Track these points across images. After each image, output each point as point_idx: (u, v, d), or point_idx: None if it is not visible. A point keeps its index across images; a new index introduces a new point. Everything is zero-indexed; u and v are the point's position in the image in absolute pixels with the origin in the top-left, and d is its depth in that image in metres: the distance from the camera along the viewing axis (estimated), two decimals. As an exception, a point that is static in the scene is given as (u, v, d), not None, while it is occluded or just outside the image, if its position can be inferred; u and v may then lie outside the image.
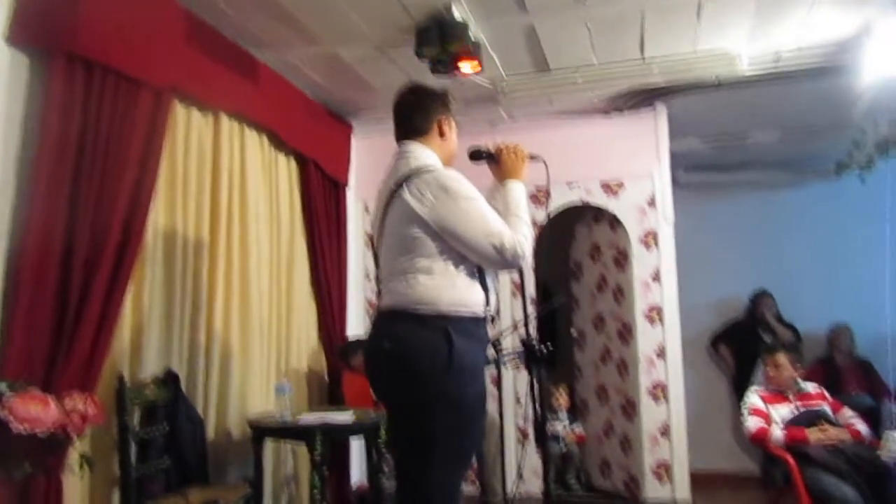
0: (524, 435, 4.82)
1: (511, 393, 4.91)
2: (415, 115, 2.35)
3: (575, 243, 5.71)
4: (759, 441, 3.75)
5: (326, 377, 4.55)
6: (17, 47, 2.53)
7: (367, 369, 2.31)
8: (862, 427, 3.67)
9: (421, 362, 2.10)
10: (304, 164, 4.43)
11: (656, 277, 4.85)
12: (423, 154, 2.30)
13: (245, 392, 3.69)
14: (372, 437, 3.70)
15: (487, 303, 2.23)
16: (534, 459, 4.45)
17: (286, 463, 4.12)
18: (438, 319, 2.11)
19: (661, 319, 4.81)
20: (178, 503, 2.92)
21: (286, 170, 4.33)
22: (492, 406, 2.67)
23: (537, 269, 4.88)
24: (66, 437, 2.37)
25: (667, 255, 4.85)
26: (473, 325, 2.18)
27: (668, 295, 4.82)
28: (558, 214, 5.02)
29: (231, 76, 3.56)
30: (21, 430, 2.18)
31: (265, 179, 4.07)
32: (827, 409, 3.80)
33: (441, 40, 3.36)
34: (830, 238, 5.86)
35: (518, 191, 2.33)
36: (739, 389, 5.26)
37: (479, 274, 2.21)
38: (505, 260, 2.15)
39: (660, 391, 4.76)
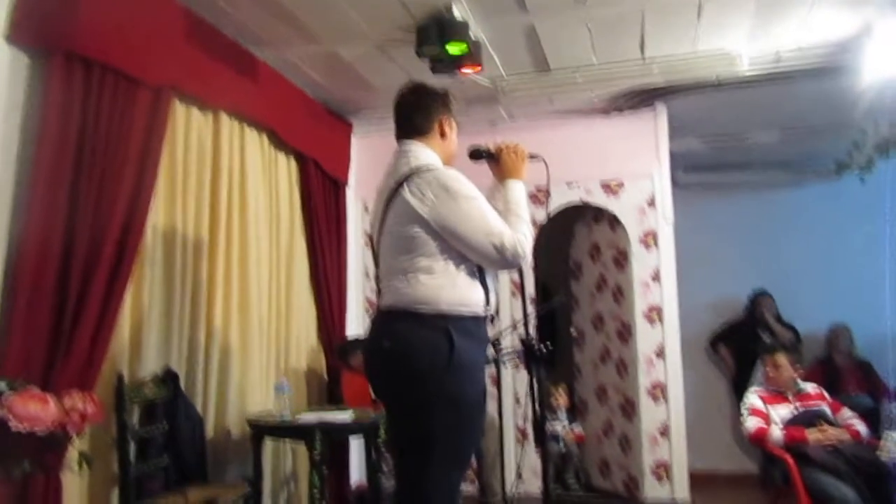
0: (523, 434, 4.82)
1: (510, 393, 4.91)
2: (416, 114, 2.35)
3: (575, 243, 5.71)
4: (758, 441, 3.75)
5: (326, 376, 4.55)
6: (16, 46, 2.52)
7: (367, 368, 2.31)
8: (861, 427, 3.67)
9: (421, 361, 2.09)
10: (303, 163, 4.43)
11: (656, 277, 4.85)
12: (423, 153, 2.29)
13: (244, 391, 3.69)
14: (371, 437, 3.70)
15: (488, 302, 2.23)
16: (533, 459, 4.46)
17: (285, 462, 4.12)
18: (439, 318, 2.11)
19: (660, 319, 4.81)
20: (177, 502, 2.92)
21: (286, 169, 4.33)
22: (491, 406, 2.68)
23: (537, 269, 4.88)
24: (66, 435, 2.36)
25: (666, 255, 4.85)
26: (474, 325, 2.18)
27: (668, 295, 4.82)
28: (558, 214, 5.02)
29: (230, 75, 3.56)
30: (20, 429, 2.18)
31: (265, 178, 4.07)
32: (826, 409, 3.80)
33: (441, 39, 3.36)
34: (830, 238, 5.85)
35: (518, 190, 2.33)
36: (739, 389, 5.26)
37: (479, 273, 2.21)
38: (505, 259, 2.15)
39: (659, 391, 4.76)
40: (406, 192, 2.17)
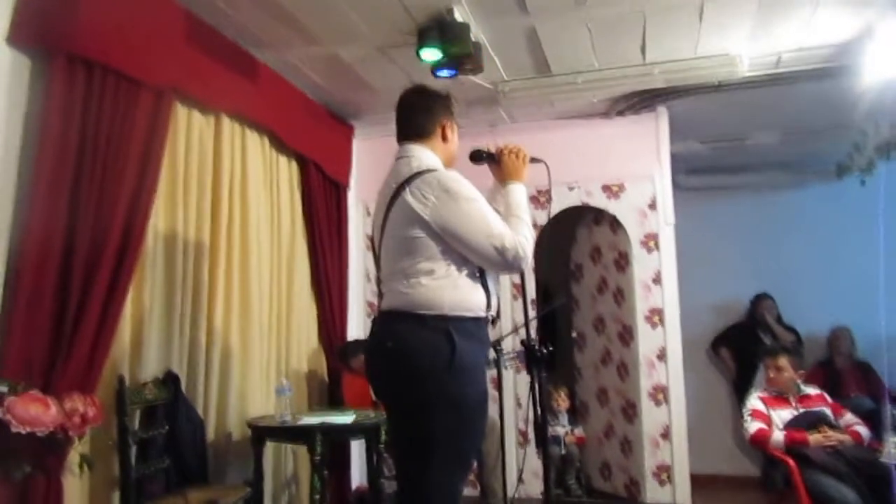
0: (524, 437, 4.81)
1: (511, 395, 4.91)
2: (419, 116, 2.35)
3: (575, 245, 5.70)
4: (758, 443, 3.75)
5: (326, 378, 4.55)
6: (17, 48, 2.53)
7: (368, 369, 2.30)
8: (862, 429, 3.67)
9: (422, 362, 2.09)
10: (304, 165, 4.43)
11: (657, 280, 4.84)
12: (424, 156, 2.29)
13: (245, 393, 3.68)
14: (372, 439, 3.70)
15: (489, 304, 2.23)
16: (534, 462, 4.45)
17: (286, 464, 4.11)
18: (440, 320, 2.11)
19: (661, 322, 4.81)
20: (178, 504, 2.92)
21: (287, 171, 4.33)
22: (492, 408, 2.67)
23: (538, 271, 4.88)
24: (67, 438, 2.37)
25: (667, 257, 4.84)
26: (475, 326, 2.18)
27: (669, 297, 4.81)
28: (559, 216, 5.01)
29: (231, 76, 3.56)
30: (21, 431, 2.18)
31: (266, 181, 4.07)
32: (827, 411, 3.80)
33: (442, 41, 3.36)
34: (831, 240, 5.85)
35: (519, 192, 2.32)
36: (740, 392, 5.26)
37: (480, 276, 2.21)
38: (506, 261, 2.15)
39: (660, 393, 4.75)
40: (407, 195, 2.17)
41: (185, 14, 3.21)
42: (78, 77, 2.62)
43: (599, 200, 5.02)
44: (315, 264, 4.49)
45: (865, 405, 4.98)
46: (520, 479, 3.81)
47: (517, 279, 3.28)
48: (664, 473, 4.69)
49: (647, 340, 4.82)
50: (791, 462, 3.52)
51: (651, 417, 4.75)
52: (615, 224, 5.05)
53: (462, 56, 3.43)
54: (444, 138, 2.37)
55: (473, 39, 3.43)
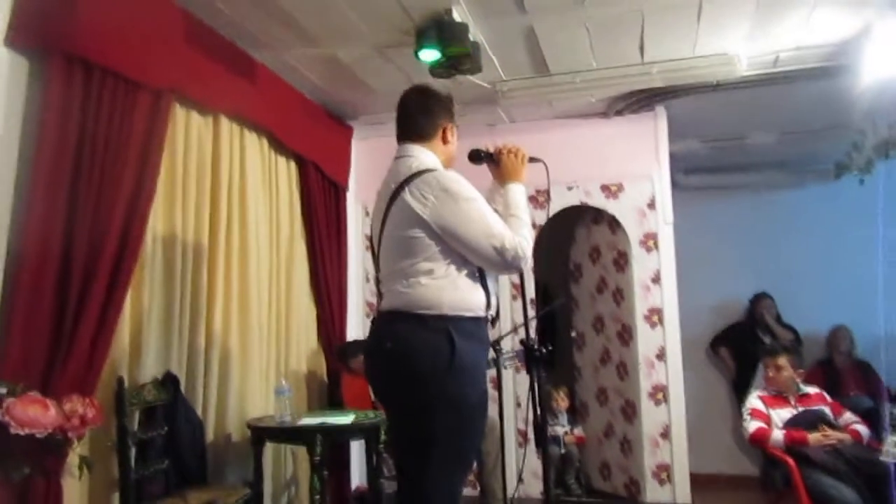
0: (524, 437, 4.81)
1: (511, 395, 4.91)
2: (420, 117, 2.35)
3: (575, 245, 5.70)
4: (758, 442, 3.75)
5: (326, 379, 4.54)
6: (15, 49, 2.52)
7: (368, 369, 2.30)
8: (862, 428, 3.67)
9: (422, 362, 2.09)
10: (303, 166, 4.43)
11: (656, 279, 4.84)
12: (423, 156, 2.30)
13: (244, 394, 3.68)
14: (372, 439, 3.69)
15: (489, 304, 2.23)
16: (534, 462, 4.45)
17: (286, 465, 4.11)
18: (440, 320, 2.11)
19: (660, 321, 4.81)
20: (177, 505, 2.92)
21: (286, 172, 4.32)
22: (492, 408, 2.67)
23: (537, 271, 4.88)
24: (66, 439, 2.36)
25: (666, 257, 4.84)
26: (475, 326, 2.18)
27: (668, 297, 4.82)
28: (558, 216, 5.01)
29: (230, 77, 3.55)
30: (20, 433, 2.17)
31: (265, 181, 4.06)
32: (827, 410, 3.80)
33: (440, 42, 3.35)
34: (830, 239, 5.85)
35: (518, 192, 2.32)
36: (739, 391, 5.27)
37: (480, 276, 2.21)
38: (505, 261, 2.15)
39: (660, 393, 4.75)
40: (406, 195, 2.17)
41: (183, 15, 3.21)
42: (76, 78, 2.61)
43: (598, 200, 5.02)
44: (314, 265, 4.49)
45: (865, 404, 4.99)
46: (519, 479, 3.80)
47: (516, 279, 3.28)
48: (664, 473, 4.69)
49: (646, 340, 4.83)
50: (790, 461, 3.52)
51: (650, 417, 4.75)
52: (614, 224, 5.05)
53: (460, 56, 3.42)
54: (444, 140, 2.37)
55: (472, 39, 3.43)
